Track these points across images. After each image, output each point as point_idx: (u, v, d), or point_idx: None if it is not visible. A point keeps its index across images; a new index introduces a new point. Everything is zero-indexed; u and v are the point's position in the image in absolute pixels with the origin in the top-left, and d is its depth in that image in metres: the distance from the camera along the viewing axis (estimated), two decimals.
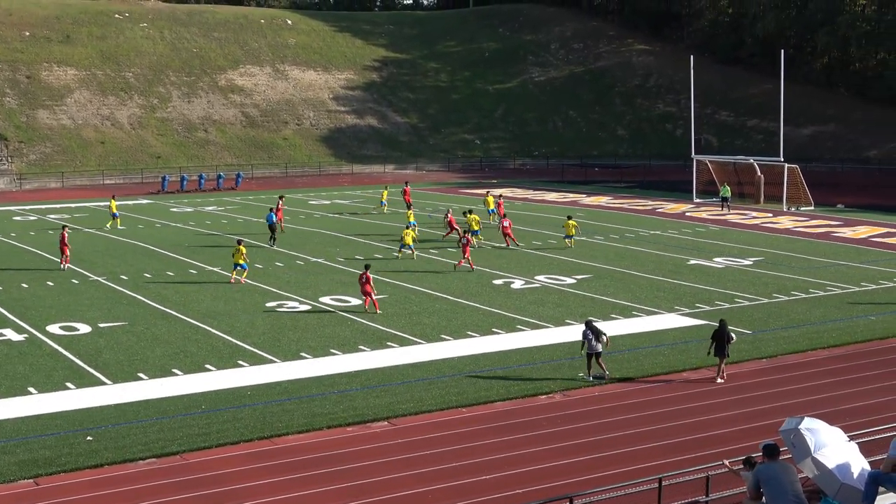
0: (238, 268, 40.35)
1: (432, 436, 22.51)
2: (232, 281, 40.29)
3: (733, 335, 26.98)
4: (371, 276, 35.13)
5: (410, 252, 46.22)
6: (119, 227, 58.27)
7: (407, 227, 48.37)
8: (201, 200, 74.12)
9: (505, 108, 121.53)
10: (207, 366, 27.88)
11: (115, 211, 59.00)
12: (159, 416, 23.62)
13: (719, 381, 26.53)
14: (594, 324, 26.94)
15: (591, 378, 26.50)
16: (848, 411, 23.78)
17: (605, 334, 26.71)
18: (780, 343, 30.25)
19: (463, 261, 43.43)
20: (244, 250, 40.51)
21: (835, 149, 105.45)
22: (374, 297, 34.94)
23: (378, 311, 34.50)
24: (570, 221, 50.39)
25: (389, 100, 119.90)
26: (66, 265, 43.96)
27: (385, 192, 66.68)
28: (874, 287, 39.04)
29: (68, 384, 26.19)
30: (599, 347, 26.51)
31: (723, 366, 26.71)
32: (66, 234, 45.20)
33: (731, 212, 64.24)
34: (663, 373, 27.23)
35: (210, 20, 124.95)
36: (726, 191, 66.32)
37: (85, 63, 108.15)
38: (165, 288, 39.10)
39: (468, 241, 44.61)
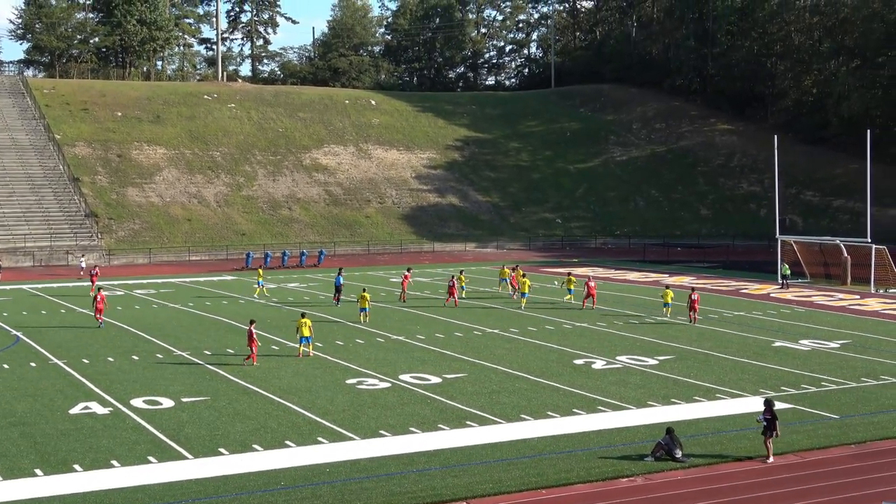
0: (304, 341, 40.78)
1: None
2: (300, 355, 40.71)
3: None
4: (255, 331, 39.34)
5: (364, 313, 50.64)
6: (265, 293, 62.88)
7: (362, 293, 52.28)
8: (284, 277, 74.96)
9: (586, 187, 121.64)
10: (287, 442, 27.95)
11: (260, 279, 64.55)
12: (239, 492, 23.66)
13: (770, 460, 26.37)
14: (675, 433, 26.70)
15: (654, 459, 26.15)
16: None
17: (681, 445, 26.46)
18: (869, 429, 29.43)
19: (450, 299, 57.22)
20: (309, 323, 40.89)
21: None
22: (253, 352, 39.06)
23: (255, 364, 38.73)
24: (668, 290, 53.16)
25: (471, 179, 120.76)
26: (102, 322, 49.53)
27: (507, 271, 66.23)
28: None
29: (150, 458, 26.40)
30: (679, 454, 26.10)
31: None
32: (104, 296, 50.83)
33: (795, 290, 64.77)
34: (748, 457, 26.62)
35: (295, 100, 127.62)
36: (786, 269, 67.44)
37: (174, 142, 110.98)
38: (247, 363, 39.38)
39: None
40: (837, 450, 27.46)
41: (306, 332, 40.64)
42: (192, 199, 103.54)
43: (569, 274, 61.09)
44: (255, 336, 39.42)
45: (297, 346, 41.27)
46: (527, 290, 57.22)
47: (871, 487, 24.09)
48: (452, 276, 60.25)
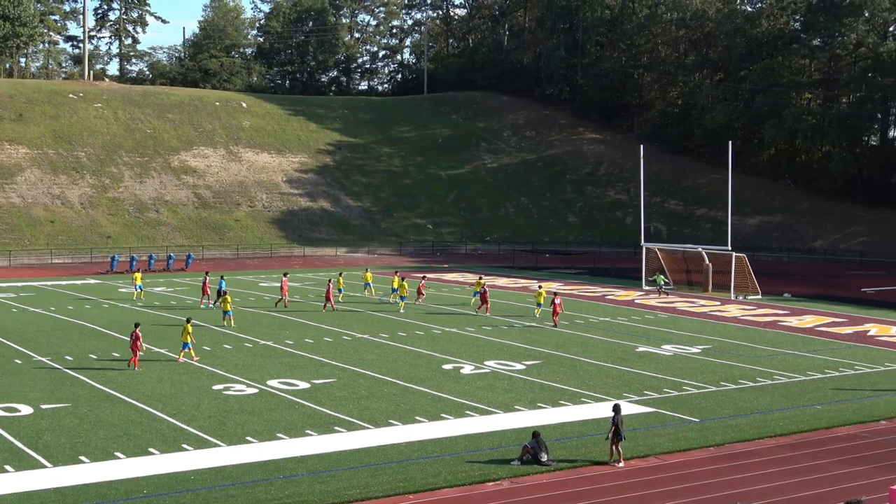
0: (185, 347, 40.36)
1: None
2: (181, 360, 40.22)
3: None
4: (140, 334, 38.83)
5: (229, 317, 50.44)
6: (142, 298, 61.95)
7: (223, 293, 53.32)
8: (150, 281, 73.41)
9: (457, 193, 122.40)
10: (151, 449, 27.42)
11: (139, 283, 63.35)
12: (99, 501, 23.11)
13: (621, 465, 26.81)
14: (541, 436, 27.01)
15: (521, 462, 26.48)
16: (796, 500, 23.82)
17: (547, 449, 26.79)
18: (727, 432, 30.29)
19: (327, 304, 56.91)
20: (190, 329, 40.52)
21: (781, 238, 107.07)
22: (137, 356, 38.54)
23: (137, 370, 38.00)
24: (541, 291, 56.42)
25: (342, 183, 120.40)
26: None
27: (370, 276, 66.67)
28: (820, 376, 39.35)
29: (7, 467, 25.60)
30: (544, 457, 26.46)
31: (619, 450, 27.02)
32: None
33: (666, 298, 65.74)
34: (612, 460, 27.11)
35: (165, 101, 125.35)
36: (660, 278, 68.57)
37: (37, 142, 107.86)
38: (110, 369, 38.54)
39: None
40: (697, 452, 28.20)
41: (185, 338, 40.23)
42: (55, 200, 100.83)
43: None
44: (140, 340, 38.98)
45: (179, 352, 41.04)
46: (405, 294, 58.21)
47: (729, 489, 24.79)
48: (329, 281, 60.10)
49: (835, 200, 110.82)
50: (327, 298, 57.55)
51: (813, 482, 25.44)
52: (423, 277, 64.63)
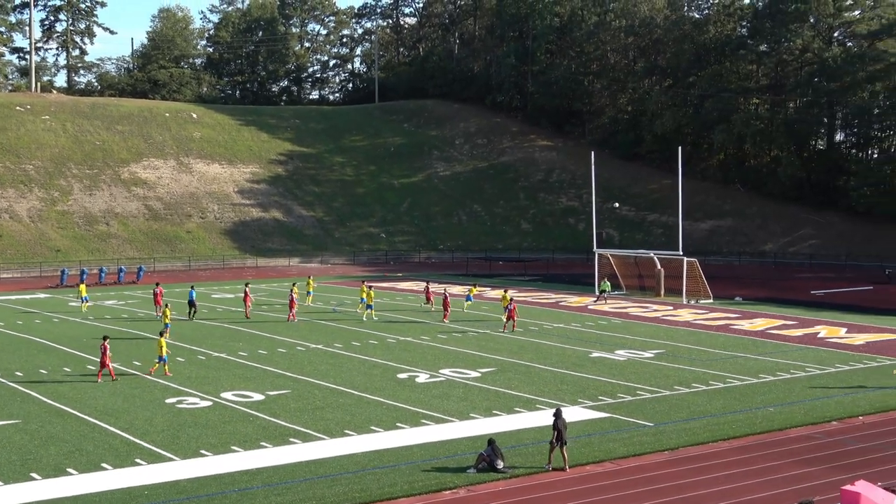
0: (162, 360, 40.11)
1: None
2: (151, 372, 40.14)
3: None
4: (108, 346, 38.84)
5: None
6: (85, 310, 61.59)
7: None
8: (101, 294, 72.73)
9: (410, 201, 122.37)
10: (104, 465, 27.13)
11: (84, 295, 62.97)
12: None
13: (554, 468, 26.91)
14: (496, 444, 27.06)
15: (477, 470, 26.50)
16: (750, 502, 24.02)
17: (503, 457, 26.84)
18: (681, 435, 30.49)
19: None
20: (163, 342, 40.13)
21: (732, 243, 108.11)
22: (110, 368, 38.56)
23: (100, 380, 38.13)
24: (507, 295, 56.35)
25: (295, 193, 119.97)
26: None
27: (313, 283, 67.00)
28: (772, 378, 39.74)
29: None
30: (500, 465, 26.50)
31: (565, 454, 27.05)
32: None
33: (605, 303, 66.14)
34: (570, 466, 27.17)
35: (114, 113, 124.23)
36: (605, 285, 68.58)
37: None
38: (61, 384, 38.10)
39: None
40: (652, 456, 28.35)
41: (160, 352, 39.92)
42: (2, 213, 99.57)
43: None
44: (108, 352, 38.87)
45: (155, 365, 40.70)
46: (372, 303, 58.19)
47: (684, 492, 24.96)
48: (291, 290, 59.85)
49: (783, 204, 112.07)
50: (291, 307, 57.48)
51: (766, 484, 25.67)
52: (427, 283, 65.30)
